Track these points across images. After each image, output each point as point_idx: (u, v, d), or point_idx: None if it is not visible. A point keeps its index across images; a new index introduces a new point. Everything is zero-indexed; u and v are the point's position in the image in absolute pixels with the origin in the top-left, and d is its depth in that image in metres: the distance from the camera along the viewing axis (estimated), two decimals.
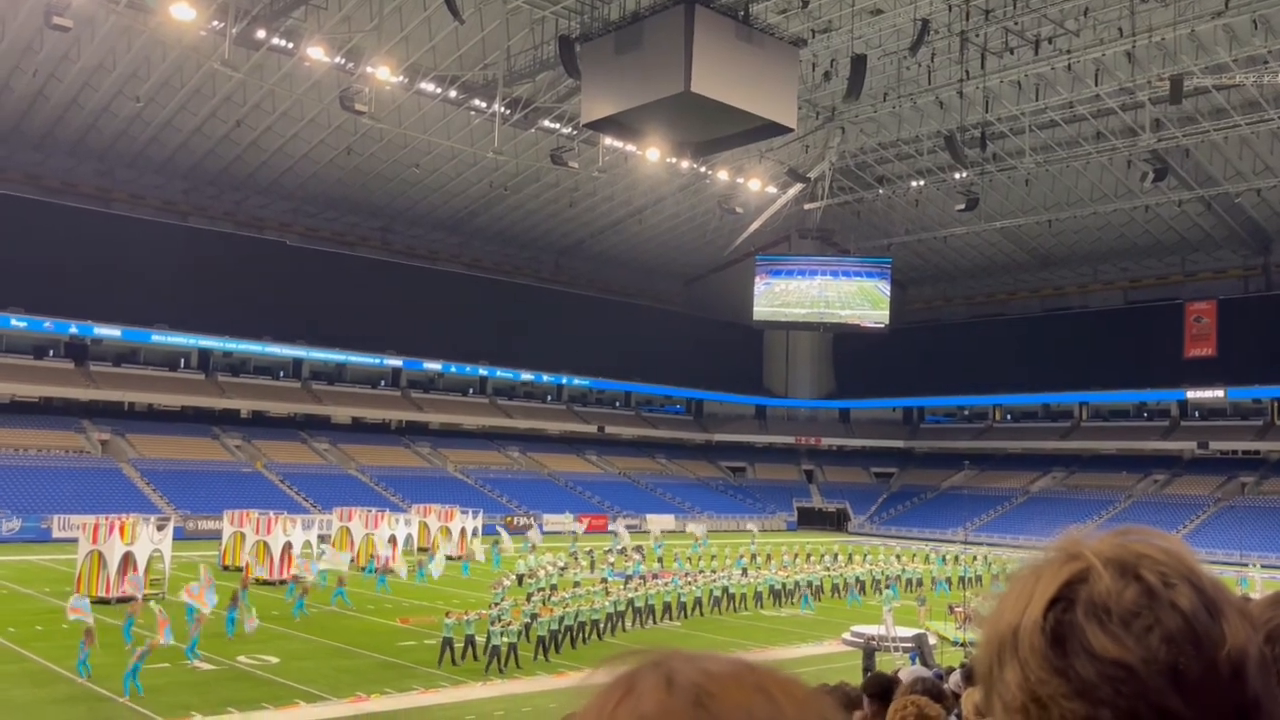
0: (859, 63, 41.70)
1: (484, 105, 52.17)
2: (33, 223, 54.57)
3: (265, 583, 34.46)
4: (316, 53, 45.55)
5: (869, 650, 24.31)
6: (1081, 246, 72.72)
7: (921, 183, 63.66)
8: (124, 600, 29.18)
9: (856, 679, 12.45)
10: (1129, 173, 57.96)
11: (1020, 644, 0.88)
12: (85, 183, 59.53)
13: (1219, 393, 68.02)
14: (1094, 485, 71.33)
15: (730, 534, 63.03)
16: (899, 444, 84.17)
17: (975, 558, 48.30)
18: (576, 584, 34.22)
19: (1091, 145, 55.96)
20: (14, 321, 56.32)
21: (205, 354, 64.62)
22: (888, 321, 78.03)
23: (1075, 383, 72.90)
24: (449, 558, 42.71)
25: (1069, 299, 78.53)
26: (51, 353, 59.27)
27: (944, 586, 41.93)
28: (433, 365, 72.12)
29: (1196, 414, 71.16)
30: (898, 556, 48.00)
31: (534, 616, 26.30)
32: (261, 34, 44.64)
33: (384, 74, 47.09)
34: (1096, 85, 48.69)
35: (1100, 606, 0.86)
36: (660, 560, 45.27)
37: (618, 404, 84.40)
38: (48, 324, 57.34)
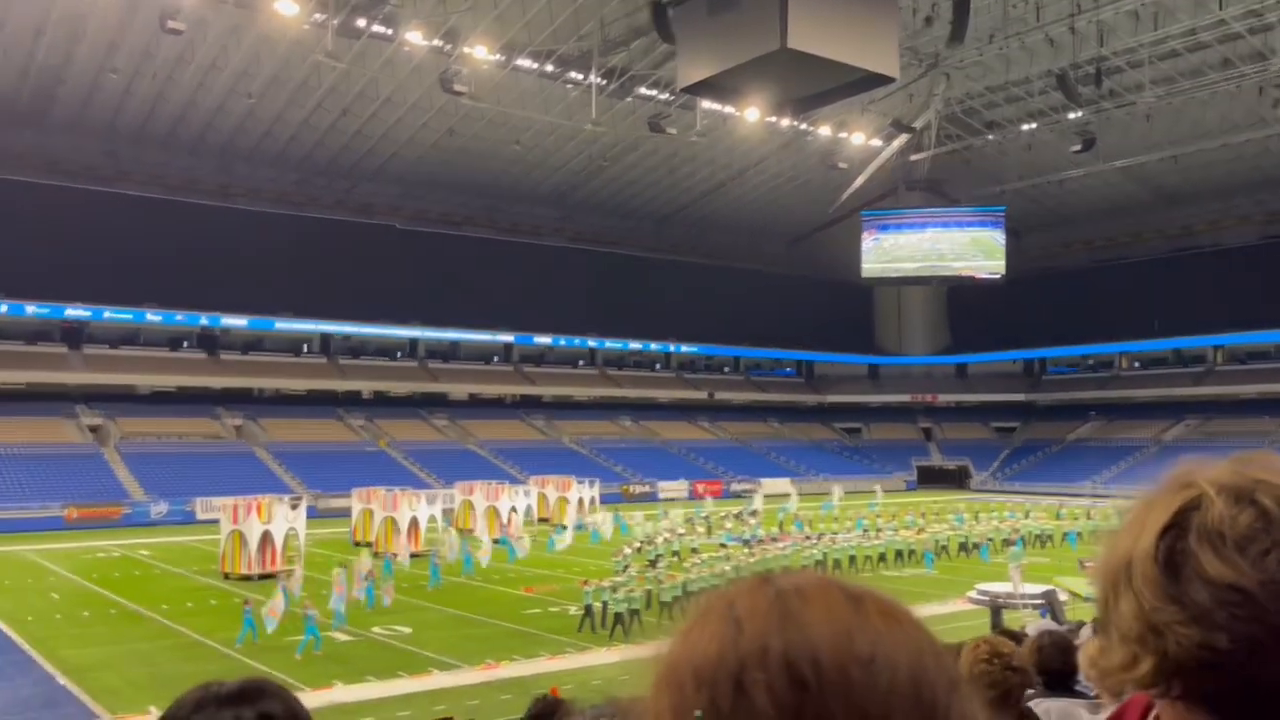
0: (962, 5, 40.20)
1: (580, 77, 52.28)
2: (161, 221, 57.25)
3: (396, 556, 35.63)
4: (415, 37, 46.35)
5: (996, 608, 23.84)
6: (1211, 181, 68.93)
7: (1034, 126, 61.19)
8: (266, 577, 30.68)
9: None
10: (1260, 100, 54.55)
11: (1134, 573, 0.88)
12: (207, 180, 62.08)
13: None
14: (1232, 432, 68.00)
15: (850, 496, 62.39)
16: (1020, 397, 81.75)
17: (1109, 512, 46.75)
18: (695, 550, 34.43)
19: (1218, 73, 52.83)
20: (150, 316, 59.38)
21: (326, 338, 66.98)
22: (1004, 271, 75.63)
23: (1208, 325, 69.45)
24: (563, 526, 43.45)
25: (1199, 238, 74.63)
26: (185, 344, 62.35)
27: (1073, 539, 40.72)
28: (543, 339, 73.17)
29: None
30: (1026, 513, 46.84)
31: (659, 582, 26.54)
32: (361, 23, 45.62)
33: (481, 53, 47.61)
34: (1221, 9, 45.89)
35: (1214, 532, 0.85)
36: (781, 525, 45.16)
37: (727, 369, 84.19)
38: (180, 317, 60.31)
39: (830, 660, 0.76)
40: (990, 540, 39.87)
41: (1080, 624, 13.43)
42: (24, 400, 54.76)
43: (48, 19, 45.79)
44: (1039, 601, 25.01)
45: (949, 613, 27.09)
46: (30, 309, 55.69)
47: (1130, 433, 72.63)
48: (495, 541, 39.83)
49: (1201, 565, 0.85)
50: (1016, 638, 5.22)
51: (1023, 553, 33.83)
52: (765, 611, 0.79)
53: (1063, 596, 26.16)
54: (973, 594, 29.14)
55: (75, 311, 57.08)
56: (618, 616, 24.43)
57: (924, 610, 27.64)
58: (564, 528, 40.37)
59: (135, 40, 48.22)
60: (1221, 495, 0.87)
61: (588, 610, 24.86)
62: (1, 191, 52.79)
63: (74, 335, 58.38)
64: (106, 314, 57.97)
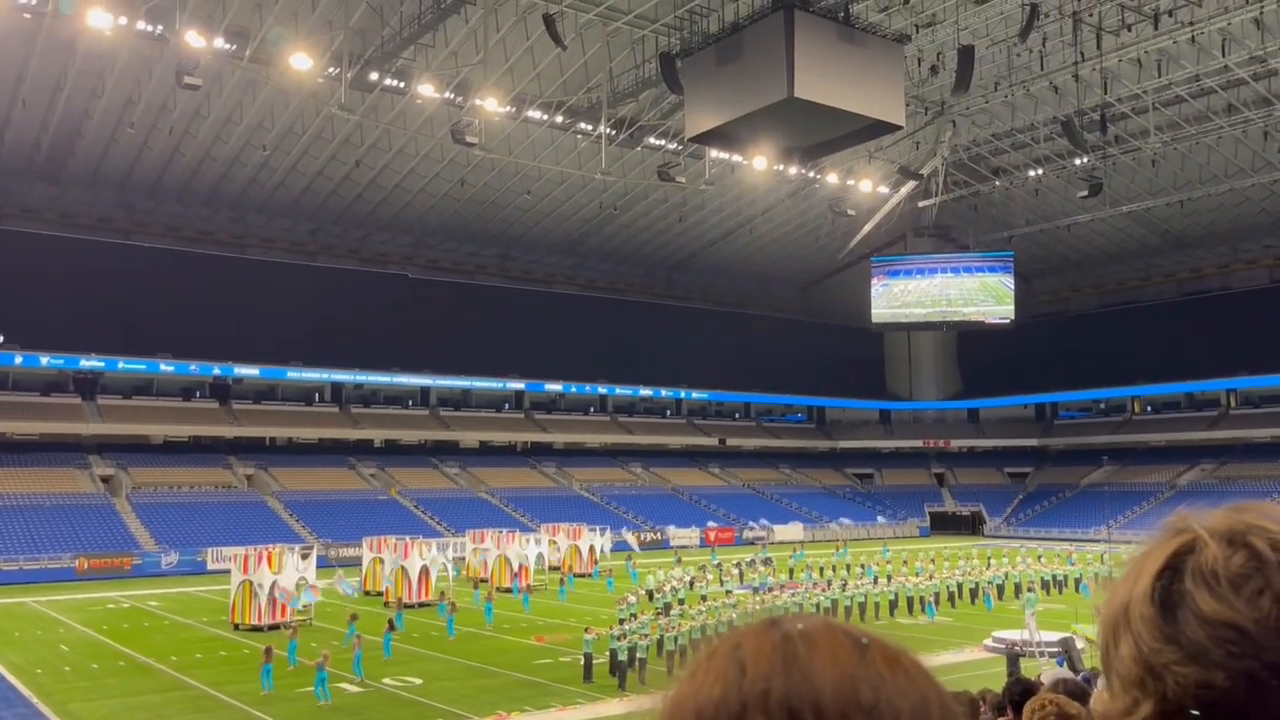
0: (966, 54, 40.66)
1: (590, 128, 52.90)
2: (175, 272, 57.91)
3: (406, 605, 35.46)
4: (427, 90, 47.03)
5: (1012, 656, 23.55)
6: (1219, 225, 69.13)
7: (1040, 171, 61.62)
8: (275, 627, 30.52)
9: (1000, 686, 12.06)
10: (1266, 144, 54.90)
11: (1131, 616, 0.90)
12: (221, 231, 62.79)
13: None
14: (1249, 476, 67.41)
15: (862, 542, 61.95)
16: (1032, 442, 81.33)
17: (1120, 558, 46.17)
18: (703, 597, 34.14)
19: (1223, 119, 53.22)
20: (163, 367, 59.72)
21: (338, 387, 67.18)
22: (1013, 316, 75.63)
23: (1221, 368, 69.23)
24: (578, 575, 43.20)
25: (1208, 281, 74.69)
26: (198, 394, 62.62)
27: (1085, 590, 40.21)
28: (554, 386, 73.26)
29: None
30: (1039, 558, 46.36)
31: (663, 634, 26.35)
32: (374, 76, 46.34)
33: (492, 105, 48.26)
34: (1224, 56, 46.34)
35: (1209, 572, 0.87)
36: (791, 572, 44.79)
37: (738, 415, 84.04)
38: (193, 367, 60.62)
39: (832, 706, 0.75)
40: (1000, 586, 39.44)
41: (1096, 672, 13.26)
42: (37, 450, 54.96)
43: (67, 75, 46.70)
44: (1056, 649, 24.70)
45: (965, 660, 26.75)
46: (45, 360, 56.10)
47: (1144, 477, 72.06)
48: (505, 590, 39.68)
49: (1197, 604, 0.86)
50: (1032, 687, 5.18)
51: (1037, 599, 33.44)
52: (770, 654, 0.79)
53: (1080, 644, 25.80)
54: (989, 641, 28.79)
55: (89, 362, 57.47)
56: (619, 664, 24.21)
57: (939, 658, 27.32)
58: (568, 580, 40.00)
59: (152, 95, 49.05)
60: (1215, 538, 0.89)
61: (587, 658, 24.64)
62: (18, 244, 53.49)
63: (88, 386, 58.70)
64: (120, 364, 58.32)
